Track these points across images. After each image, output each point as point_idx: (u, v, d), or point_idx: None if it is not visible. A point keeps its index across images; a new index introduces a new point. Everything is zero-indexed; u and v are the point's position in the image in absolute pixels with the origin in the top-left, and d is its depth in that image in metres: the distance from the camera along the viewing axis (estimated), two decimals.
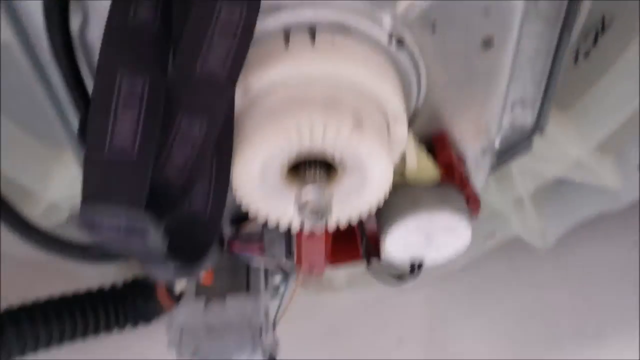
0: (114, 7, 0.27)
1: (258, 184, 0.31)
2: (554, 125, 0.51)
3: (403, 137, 0.33)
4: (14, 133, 0.51)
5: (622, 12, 0.49)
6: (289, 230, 0.39)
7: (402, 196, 0.38)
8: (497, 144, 0.46)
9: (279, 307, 0.49)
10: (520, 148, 0.48)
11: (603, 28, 0.50)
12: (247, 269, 0.47)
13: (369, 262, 0.42)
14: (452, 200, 0.38)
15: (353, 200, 0.33)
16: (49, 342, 0.56)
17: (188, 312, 0.45)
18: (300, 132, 0.29)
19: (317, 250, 0.40)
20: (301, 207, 0.30)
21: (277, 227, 0.36)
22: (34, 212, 0.53)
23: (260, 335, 0.44)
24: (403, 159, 0.37)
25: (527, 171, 0.55)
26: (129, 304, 0.60)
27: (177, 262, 0.29)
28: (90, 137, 0.26)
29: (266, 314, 0.46)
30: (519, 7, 0.33)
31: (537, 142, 0.48)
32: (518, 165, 0.54)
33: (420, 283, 0.63)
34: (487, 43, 0.34)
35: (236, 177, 0.31)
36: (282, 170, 0.31)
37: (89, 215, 0.26)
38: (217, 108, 0.28)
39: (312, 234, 0.37)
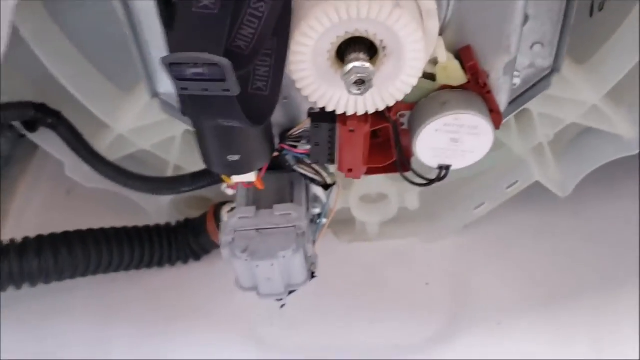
0: None
1: (310, 65, 0.37)
2: (571, 74, 0.56)
3: (435, 32, 0.39)
4: (90, 71, 0.58)
5: None
6: (332, 137, 0.45)
7: (432, 100, 0.44)
8: (519, 80, 0.52)
9: (320, 223, 0.54)
10: (540, 86, 0.53)
11: None
12: (291, 185, 0.53)
13: (402, 170, 0.48)
14: (477, 104, 0.44)
15: (390, 85, 0.39)
16: (107, 268, 0.63)
17: (240, 217, 0.51)
18: (348, 10, 0.35)
19: (356, 152, 0.45)
20: (347, 77, 0.36)
21: (323, 129, 0.42)
22: (103, 144, 0.60)
23: (303, 237, 0.50)
24: (434, 63, 0.43)
25: (546, 116, 0.60)
26: (181, 240, 0.66)
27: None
28: (180, 5, 0.33)
29: (308, 222, 0.52)
30: None
31: (556, 87, 0.54)
32: (538, 110, 0.59)
33: (447, 233, 0.69)
34: None
35: (292, 57, 0.37)
36: (331, 52, 0.37)
37: (177, 61, 0.32)
38: None
39: (352, 130, 0.43)
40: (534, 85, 0.53)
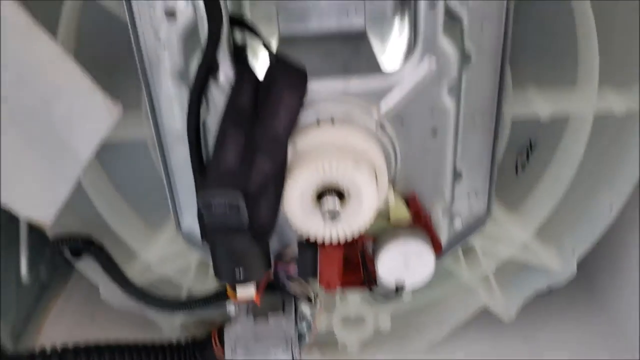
0: (230, 98, 0.52)
1: (299, 204, 0.53)
2: (503, 218, 0.73)
3: (385, 183, 0.56)
4: (127, 210, 0.74)
5: (543, 135, 0.73)
6: (314, 259, 0.60)
7: (387, 234, 0.60)
8: (459, 224, 0.67)
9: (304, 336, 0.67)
10: (477, 226, 0.69)
11: (531, 148, 0.74)
12: (283, 302, 0.67)
13: (369, 286, 0.62)
14: (420, 235, 0.59)
15: (354, 220, 0.54)
16: None
17: (241, 325, 0.64)
18: (324, 167, 0.51)
19: (333, 270, 0.60)
20: (323, 212, 0.52)
21: (308, 252, 0.57)
22: (133, 270, 0.74)
23: (292, 343, 0.63)
24: (387, 207, 0.59)
25: (487, 252, 0.75)
26: (189, 355, 0.78)
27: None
28: (213, 159, 0.50)
29: (295, 331, 0.65)
30: (450, 109, 0.57)
31: (491, 228, 0.70)
32: (480, 247, 0.74)
33: (417, 352, 0.81)
34: (434, 132, 0.58)
35: (286, 200, 0.53)
36: (313, 196, 0.53)
37: (211, 196, 0.48)
38: (278, 154, 0.52)
39: (329, 253, 0.58)
40: (473, 226, 0.68)
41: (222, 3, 0.50)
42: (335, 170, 0.51)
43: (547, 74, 0.68)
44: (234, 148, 0.50)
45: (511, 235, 0.74)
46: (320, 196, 0.53)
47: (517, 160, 0.75)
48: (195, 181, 0.57)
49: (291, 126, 0.52)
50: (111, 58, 0.65)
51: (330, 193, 0.53)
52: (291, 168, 0.53)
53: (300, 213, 0.54)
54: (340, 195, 0.53)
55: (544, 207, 0.73)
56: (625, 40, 0.67)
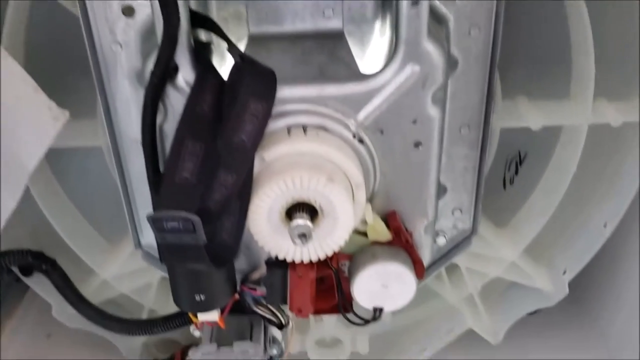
0: (188, 104, 0.46)
1: (266, 222, 0.48)
2: (491, 235, 0.68)
3: (363, 199, 0.50)
4: (83, 225, 0.68)
5: (533, 147, 0.68)
6: (284, 281, 0.55)
7: (365, 252, 0.54)
8: (444, 240, 0.62)
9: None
10: (463, 245, 0.64)
11: (520, 161, 0.70)
12: (251, 326, 0.61)
13: (344, 311, 0.57)
14: (401, 256, 0.54)
15: (328, 239, 0.49)
16: None
17: (204, 352, 0.58)
18: (294, 182, 0.46)
19: (304, 294, 0.54)
20: (292, 232, 0.46)
21: (277, 274, 0.52)
22: (89, 288, 0.68)
23: None
24: (365, 223, 0.54)
25: (473, 271, 0.70)
26: None
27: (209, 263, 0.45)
28: (166, 172, 0.44)
29: (266, 357, 0.59)
30: (435, 119, 0.52)
31: (478, 246, 0.65)
32: (465, 265, 0.69)
33: None
34: (417, 144, 0.53)
35: (251, 216, 0.48)
36: (281, 212, 0.48)
37: (160, 218, 0.43)
38: (243, 166, 0.46)
39: (300, 275, 0.53)
40: (458, 244, 0.63)
41: (181, 2, 0.45)
42: (307, 186, 0.46)
43: (539, 84, 0.64)
44: (191, 159, 0.45)
45: (499, 254, 0.69)
46: (290, 213, 0.48)
47: (505, 173, 0.70)
48: (152, 197, 0.51)
49: (258, 136, 0.46)
50: (65, 58, 0.60)
51: (301, 210, 0.47)
52: (258, 182, 0.48)
53: (266, 231, 0.48)
54: (313, 211, 0.48)
55: (533, 224, 0.68)
56: (622, 49, 0.62)
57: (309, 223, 0.47)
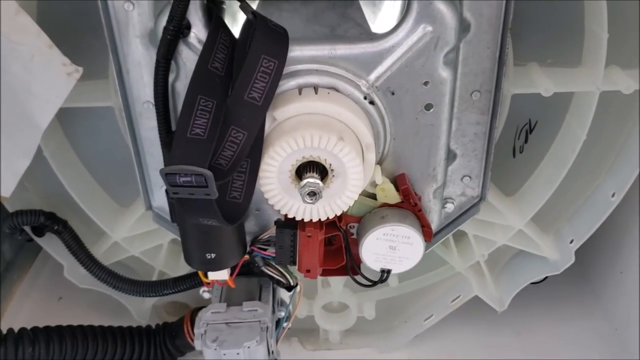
0: (200, 62, 0.47)
1: (276, 181, 0.48)
2: (499, 203, 0.68)
3: (373, 161, 0.51)
4: (96, 188, 0.69)
5: (543, 115, 0.68)
6: (293, 241, 0.55)
7: (374, 214, 0.55)
8: (453, 206, 0.63)
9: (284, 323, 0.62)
10: (471, 212, 0.64)
11: (531, 129, 0.69)
12: (260, 287, 0.62)
13: (352, 273, 0.57)
14: (410, 219, 0.55)
15: (337, 199, 0.50)
16: None
17: (213, 312, 0.59)
18: (304, 141, 0.46)
19: (313, 255, 0.55)
20: (302, 190, 0.47)
21: (286, 234, 0.52)
22: (100, 250, 0.69)
23: (267, 333, 0.58)
24: (374, 185, 0.54)
25: (480, 238, 0.70)
26: (159, 342, 0.73)
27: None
28: (178, 128, 0.44)
29: (273, 321, 0.60)
30: (447, 82, 0.52)
31: (486, 214, 0.65)
32: (473, 233, 0.70)
33: (401, 344, 0.77)
34: (428, 106, 0.53)
35: (262, 174, 0.48)
36: (292, 171, 0.48)
37: (173, 172, 0.43)
38: (254, 123, 0.47)
39: (309, 240, 0.53)
40: (466, 211, 0.63)
41: None
42: (317, 144, 0.46)
43: (551, 50, 0.63)
44: (203, 116, 0.45)
45: (506, 221, 0.69)
46: (299, 172, 0.48)
47: (515, 142, 0.70)
48: (164, 155, 0.52)
49: (269, 93, 0.46)
50: (77, 18, 0.60)
51: (311, 169, 0.48)
52: (268, 141, 0.48)
53: (277, 190, 0.49)
54: (323, 171, 0.48)
55: (542, 193, 0.68)
56: (636, 16, 0.62)
57: (319, 181, 0.47)
